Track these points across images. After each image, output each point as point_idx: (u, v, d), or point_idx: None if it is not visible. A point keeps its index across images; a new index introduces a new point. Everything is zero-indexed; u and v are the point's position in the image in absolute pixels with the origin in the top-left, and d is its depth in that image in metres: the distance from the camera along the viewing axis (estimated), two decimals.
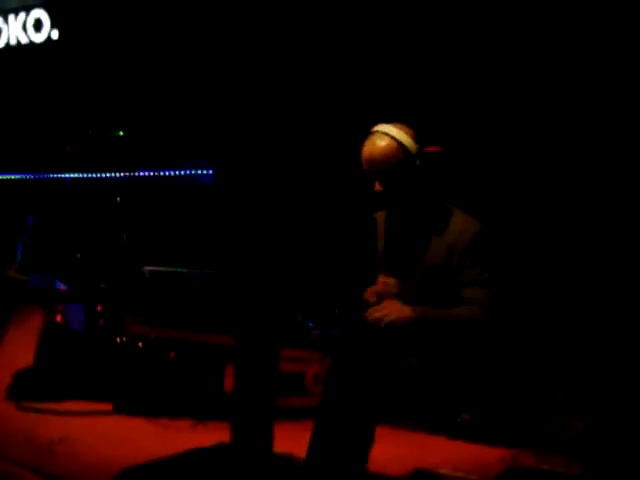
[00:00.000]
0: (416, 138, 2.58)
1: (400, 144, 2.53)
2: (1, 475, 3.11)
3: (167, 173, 5.51)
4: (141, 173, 5.66)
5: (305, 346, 3.54)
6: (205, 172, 5.27)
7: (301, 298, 3.17)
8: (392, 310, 2.47)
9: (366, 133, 2.60)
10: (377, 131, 2.58)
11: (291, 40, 5.07)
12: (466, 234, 2.56)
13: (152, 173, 5.60)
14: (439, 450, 3.15)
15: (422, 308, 2.51)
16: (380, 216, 2.83)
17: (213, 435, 3.23)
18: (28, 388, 3.95)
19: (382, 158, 2.55)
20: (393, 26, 4.63)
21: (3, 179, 6.79)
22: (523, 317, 3.81)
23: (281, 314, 3.06)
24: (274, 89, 5.16)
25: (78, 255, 4.35)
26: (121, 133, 6.19)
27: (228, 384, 3.61)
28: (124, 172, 5.72)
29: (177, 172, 5.43)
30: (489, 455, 3.13)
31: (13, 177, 6.71)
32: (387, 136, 2.54)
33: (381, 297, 2.57)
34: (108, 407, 3.85)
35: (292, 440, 2.77)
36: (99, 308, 4.21)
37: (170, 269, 3.96)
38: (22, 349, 4.12)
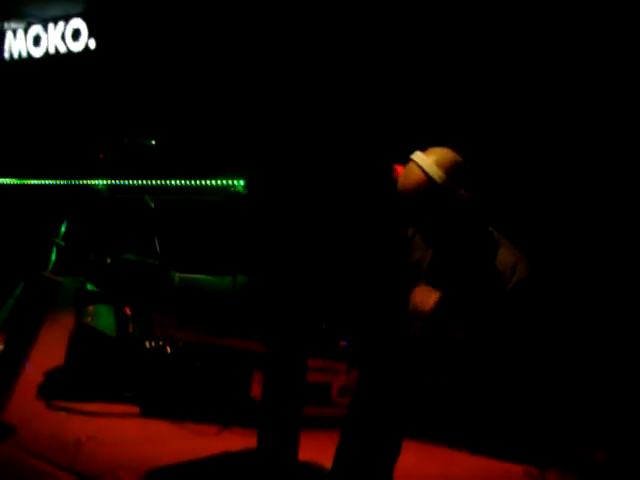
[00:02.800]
0: (454, 166, 2.40)
1: (428, 176, 2.38)
2: (29, 470, 3.16)
3: (199, 182, 5.58)
4: (173, 182, 5.74)
5: (331, 356, 3.57)
6: (236, 182, 5.34)
7: (329, 309, 3.19)
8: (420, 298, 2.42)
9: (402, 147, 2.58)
10: (411, 160, 2.50)
11: (334, 52, 5.10)
12: (511, 277, 2.41)
13: (184, 182, 5.67)
14: (463, 464, 3.15)
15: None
16: (411, 230, 2.81)
17: (239, 441, 3.25)
18: (58, 387, 4.00)
19: (410, 190, 2.41)
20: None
21: (40, 184, 6.92)
22: (555, 341, 3.79)
23: (309, 323, 3.09)
24: (308, 101, 5.20)
25: (108, 260, 4.42)
26: (153, 142, 6.28)
27: (255, 391, 3.64)
28: (156, 180, 5.79)
29: (208, 181, 5.49)
30: (514, 472, 3.12)
31: (49, 182, 6.82)
32: (417, 167, 2.41)
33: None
34: (135, 410, 3.89)
35: (316, 449, 2.79)
36: (128, 311, 4.27)
37: (200, 276, 4.02)
38: (53, 349, 4.17)
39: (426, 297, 2.41)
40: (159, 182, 5.78)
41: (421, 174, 2.38)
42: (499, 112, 4.37)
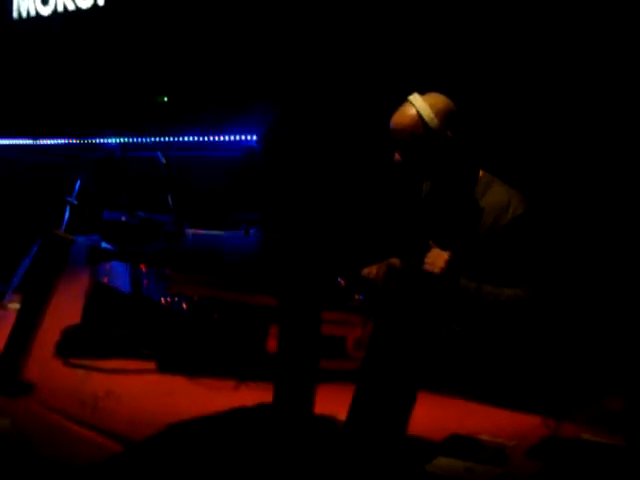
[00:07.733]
0: (448, 112, 2.48)
1: (421, 118, 2.47)
2: (49, 426, 3.21)
3: (211, 138, 5.54)
4: (185, 138, 5.71)
5: (347, 310, 3.56)
6: (249, 137, 5.29)
7: (344, 262, 3.17)
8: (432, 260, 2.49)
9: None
10: (407, 100, 2.54)
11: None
12: (507, 211, 2.48)
13: (196, 138, 5.64)
14: (478, 416, 3.14)
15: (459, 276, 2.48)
16: (427, 185, 2.79)
17: (255, 395, 3.26)
18: (75, 345, 4.05)
19: (401, 129, 2.50)
20: None
21: (52, 144, 6.92)
22: (570, 293, 3.74)
23: (324, 276, 3.07)
24: (323, 54, 5.10)
25: (123, 218, 4.41)
26: (165, 99, 6.23)
27: (271, 345, 3.65)
28: (169, 136, 5.77)
29: (221, 137, 5.45)
30: (529, 423, 3.11)
31: (61, 141, 6.82)
32: (412, 107, 2.49)
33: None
34: (152, 366, 3.92)
35: (332, 402, 2.79)
36: (143, 269, 4.28)
37: (213, 231, 4.00)
38: (69, 308, 4.21)
39: (437, 258, 2.48)
40: (171, 138, 5.75)
41: (415, 115, 2.50)
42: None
